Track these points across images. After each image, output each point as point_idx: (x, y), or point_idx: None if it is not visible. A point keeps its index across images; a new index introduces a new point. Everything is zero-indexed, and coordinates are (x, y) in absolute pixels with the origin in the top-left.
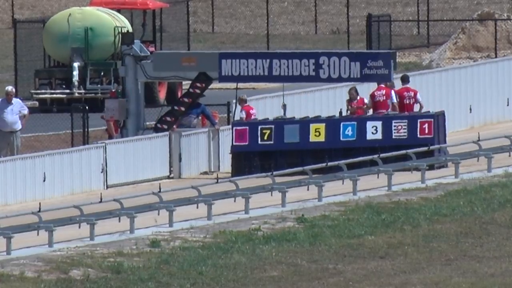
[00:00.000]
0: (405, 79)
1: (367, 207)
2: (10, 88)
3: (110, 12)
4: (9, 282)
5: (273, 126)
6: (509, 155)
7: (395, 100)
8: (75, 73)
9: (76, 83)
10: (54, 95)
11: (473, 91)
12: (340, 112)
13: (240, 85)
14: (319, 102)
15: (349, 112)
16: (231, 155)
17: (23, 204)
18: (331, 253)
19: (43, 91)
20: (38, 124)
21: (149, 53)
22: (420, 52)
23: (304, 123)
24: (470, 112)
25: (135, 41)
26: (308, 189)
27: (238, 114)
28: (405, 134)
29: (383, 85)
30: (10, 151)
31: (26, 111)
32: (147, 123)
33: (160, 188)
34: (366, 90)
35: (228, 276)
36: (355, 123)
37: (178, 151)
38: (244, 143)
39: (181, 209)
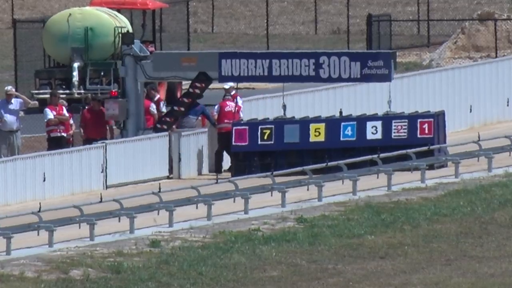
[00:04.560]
0: (229, 91)
1: (367, 207)
2: (9, 87)
3: (110, 12)
4: (9, 282)
5: (273, 126)
6: (509, 155)
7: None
8: (75, 73)
9: (76, 83)
10: None
11: (473, 91)
12: (340, 112)
13: (240, 85)
14: (319, 102)
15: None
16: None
17: (23, 204)
18: (331, 253)
19: (43, 91)
20: (38, 124)
21: (149, 53)
22: (420, 52)
23: (304, 123)
24: (470, 112)
25: (135, 41)
26: (308, 189)
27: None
28: (405, 134)
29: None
30: (11, 151)
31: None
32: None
33: (160, 188)
34: (365, 90)
35: (228, 276)
36: (355, 123)
37: (178, 151)
38: (244, 143)
39: (181, 209)
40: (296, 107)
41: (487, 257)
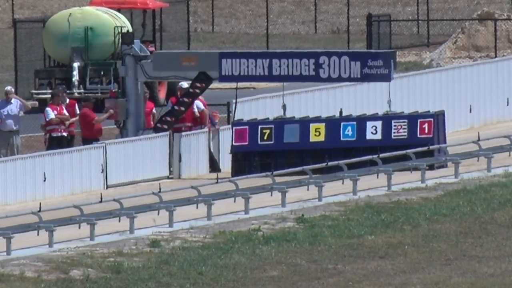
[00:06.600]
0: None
1: (367, 207)
2: (9, 87)
3: (110, 12)
4: (9, 282)
5: (273, 126)
6: (509, 155)
7: (202, 108)
8: (75, 73)
9: (76, 83)
10: None
11: (473, 91)
12: (340, 112)
13: (240, 84)
14: (319, 102)
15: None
16: (231, 155)
17: (23, 204)
18: (331, 253)
19: (43, 91)
20: (38, 124)
21: (149, 53)
22: (420, 52)
23: (304, 123)
24: (470, 112)
25: (135, 41)
26: (308, 189)
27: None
28: (405, 134)
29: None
30: (10, 151)
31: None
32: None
33: (160, 188)
34: (365, 90)
35: (228, 276)
36: (355, 123)
37: (178, 151)
38: (244, 143)
39: (181, 209)
40: (296, 107)
41: (487, 257)
